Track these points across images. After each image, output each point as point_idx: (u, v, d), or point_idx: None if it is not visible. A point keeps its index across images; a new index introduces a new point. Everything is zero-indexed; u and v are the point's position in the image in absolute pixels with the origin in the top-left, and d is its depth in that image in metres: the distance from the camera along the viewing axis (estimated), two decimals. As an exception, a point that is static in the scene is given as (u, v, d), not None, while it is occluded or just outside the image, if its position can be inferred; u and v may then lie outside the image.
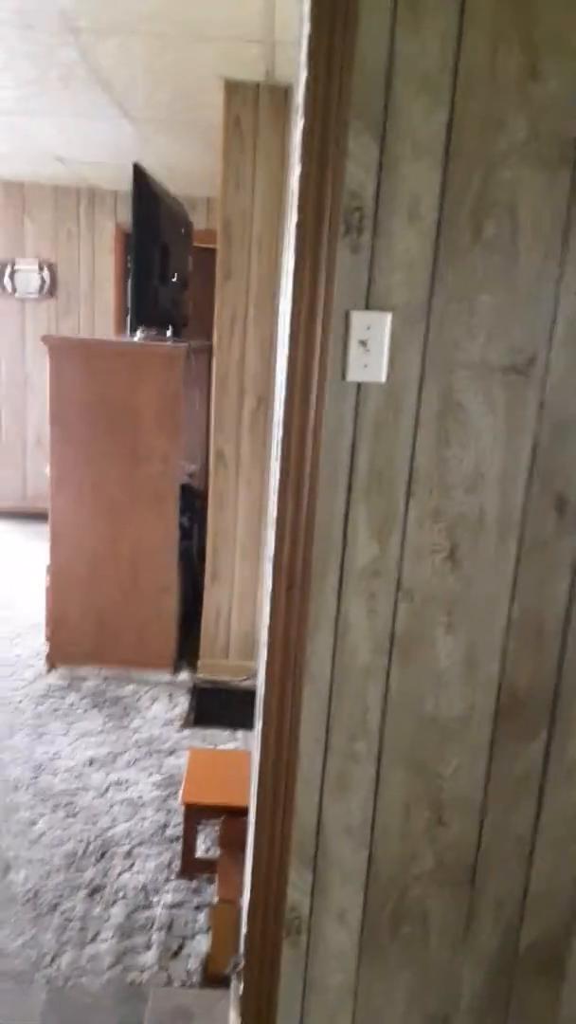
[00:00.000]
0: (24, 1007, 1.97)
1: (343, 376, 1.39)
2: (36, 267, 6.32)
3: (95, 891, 2.39)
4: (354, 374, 1.38)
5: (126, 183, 3.99)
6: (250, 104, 3.27)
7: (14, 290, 6.35)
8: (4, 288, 6.35)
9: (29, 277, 6.33)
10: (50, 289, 6.36)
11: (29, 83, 3.44)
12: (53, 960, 2.12)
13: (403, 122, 1.31)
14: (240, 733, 3.34)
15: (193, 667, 3.89)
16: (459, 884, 1.65)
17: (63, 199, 6.23)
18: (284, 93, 3.24)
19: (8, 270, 6.31)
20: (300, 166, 1.33)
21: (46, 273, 6.32)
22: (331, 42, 1.28)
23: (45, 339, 3.71)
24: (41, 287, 6.35)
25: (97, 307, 6.41)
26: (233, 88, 3.25)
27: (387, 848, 1.63)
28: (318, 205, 1.32)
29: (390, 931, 1.68)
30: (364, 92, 1.30)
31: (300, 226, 1.34)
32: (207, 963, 2.11)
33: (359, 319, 1.35)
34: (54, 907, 2.31)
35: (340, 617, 1.52)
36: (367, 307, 1.36)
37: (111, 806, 2.81)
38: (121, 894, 2.38)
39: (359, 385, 1.40)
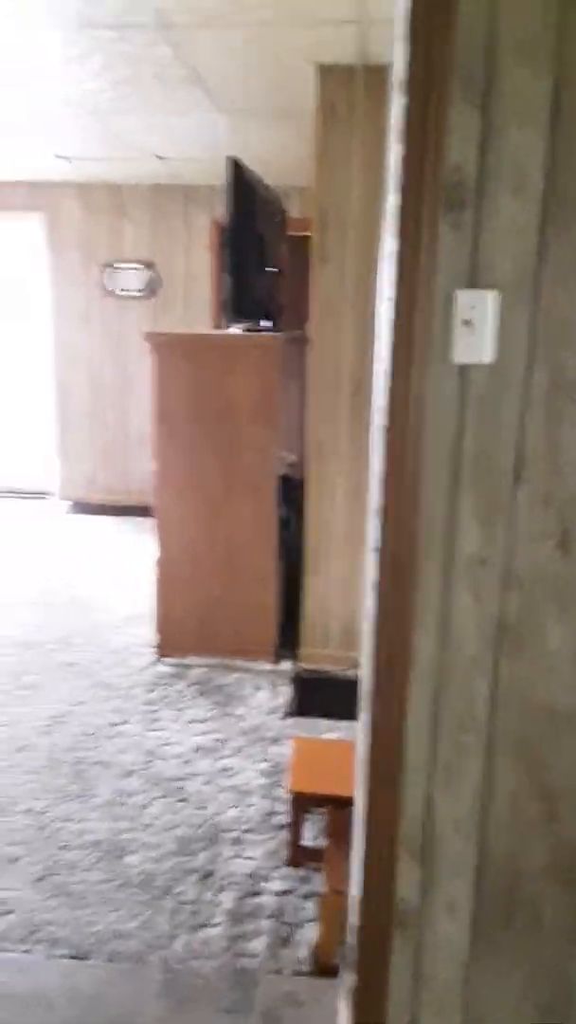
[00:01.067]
0: (140, 987, 2.03)
1: (447, 358, 1.35)
2: (136, 266, 6.47)
3: (206, 876, 2.43)
4: (459, 355, 1.34)
5: (221, 177, 4.02)
6: (344, 87, 3.24)
7: (116, 290, 6.52)
8: (106, 288, 6.53)
9: (130, 276, 6.49)
10: (150, 287, 6.50)
11: (125, 83, 3.51)
12: (168, 943, 2.17)
13: (506, 90, 1.26)
14: (343, 723, 3.33)
15: (294, 656, 3.91)
16: (573, 880, 1.59)
17: (160, 197, 6.35)
18: (379, 74, 3.18)
19: (109, 271, 6.49)
20: (400, 143, 1.30)
21: (145, 272, 6.46)
22: (431, 12, 1.24)
23: (147, 336, 3.79)
24: (142, 286, 6.50)
25: (195, 302, 6.51)
26: (327, 72, 3.22)
27: (498, 841, 1.59)
28: (419, 182, 1.29)
29: (502, 925, 1.64)
30: (465, 62, 1.26)
31: (400, 205, 1.31)
32: (316, 952, 2.12)
33: (463, 298, 1.31)
34: (167, 890, 2.37)
35: (446, 607, 1.48)
36: (471, 285, 1.32)
37: (219, 793, 2.86)
38: (231, 880, 2.41)
39: (463, 366, 1.35)
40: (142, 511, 5.71)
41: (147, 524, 3.93)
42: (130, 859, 2.50)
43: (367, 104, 3.25)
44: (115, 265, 6.49)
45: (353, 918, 1.76)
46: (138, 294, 6.52)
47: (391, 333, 1.36)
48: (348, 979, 1.79)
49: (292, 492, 4.09)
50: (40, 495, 7.08)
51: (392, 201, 1.35)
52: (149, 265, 6.47)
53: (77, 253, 6.54)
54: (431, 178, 1.28)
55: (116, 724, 3.32)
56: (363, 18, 2.73)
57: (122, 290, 6.52)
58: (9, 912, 2.27)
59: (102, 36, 2.93)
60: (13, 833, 2.62)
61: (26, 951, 2.13)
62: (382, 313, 1.44)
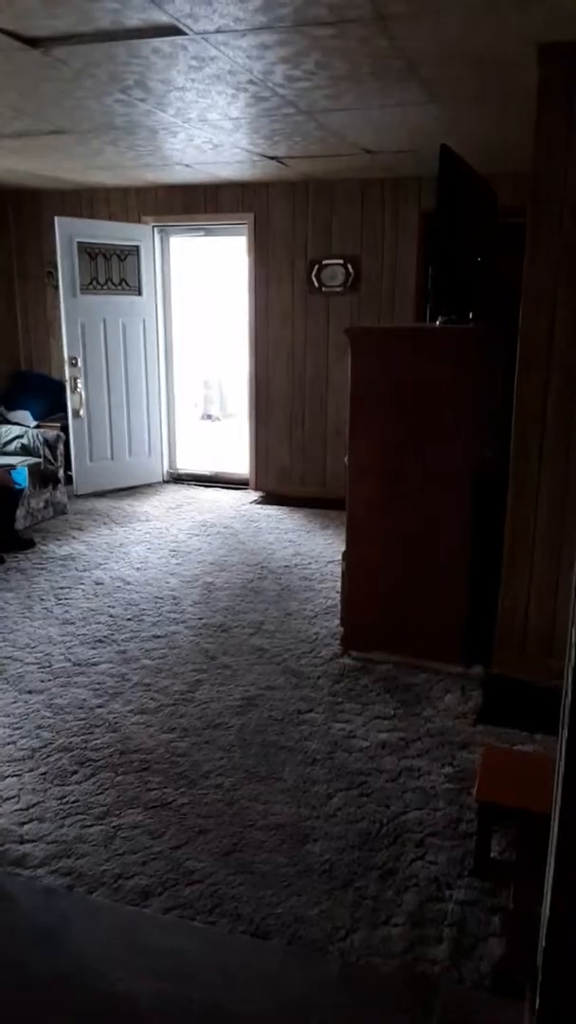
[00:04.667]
0: (318, 976, 2.04)
1: None
2: (341, 262, 6.52)
3: (388, 874, 2.41)
4: None
5: (430, 168, 3.94)
6: (567, 66, 3.06)
7: (320, 286, 6.62)
8: (312, 285, 6.64)
9: (335, 272, 6.56)
10: (353, 282, 6.53)
11: (342, 79, 3.52)
12: (347, 935, 2.17)
13: None
14: (538, 736, 3.18)
15: (486, 661, 3.78)
16: None
17: (368, 192, 6.36)
18: (605, 48, 2.98)
19: (315, 267, 6.59)
20: None
21: (350, 267, 6.50)
22: None
23: (347, 331, 3.80)
24: (345, 281, 6.55)
25: (398, 296, 6.46)
26: (548, 51, 3.06)
27: None
28: None
29: None
30: None
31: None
32: (500, 969, 2.03)
33: None
34: (348, 883, 2.37)
35: None
36: None
37: (403, 792, 2.82)
38: (413, 882, 2.38)
39: None
40: (335, 504, 5.77)
41: (341, 518, 3.95)
42: (312, 847, 2.53)
43: (592, 81, 3.05)
44: (321, 261, 6.58)
45: (542, 940, 1.67)
46: (342, 289, 6.58)
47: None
48: (534, 1002, 1.70)
49: (490, 489, 3.96)
50: (240, 485, 7.35)
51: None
52: (354, 260, 6.50)
53: (284, 250, 6.70)
54: None
55: (303, 712, 3.38)
56: (592, -11, 2.56)
57: (326, 286, 6.61)
58: (197, 882, 2.37)
59: (318, 33, 2.96)
60: (204, 807, 2.73)
61: (211, 923, 2.22)
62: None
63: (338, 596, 4.12)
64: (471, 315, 3.76)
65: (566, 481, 3.41)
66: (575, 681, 1.46)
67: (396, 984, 2.02)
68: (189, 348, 7.77)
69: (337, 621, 4.16)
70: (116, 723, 3.28)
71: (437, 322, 3.69)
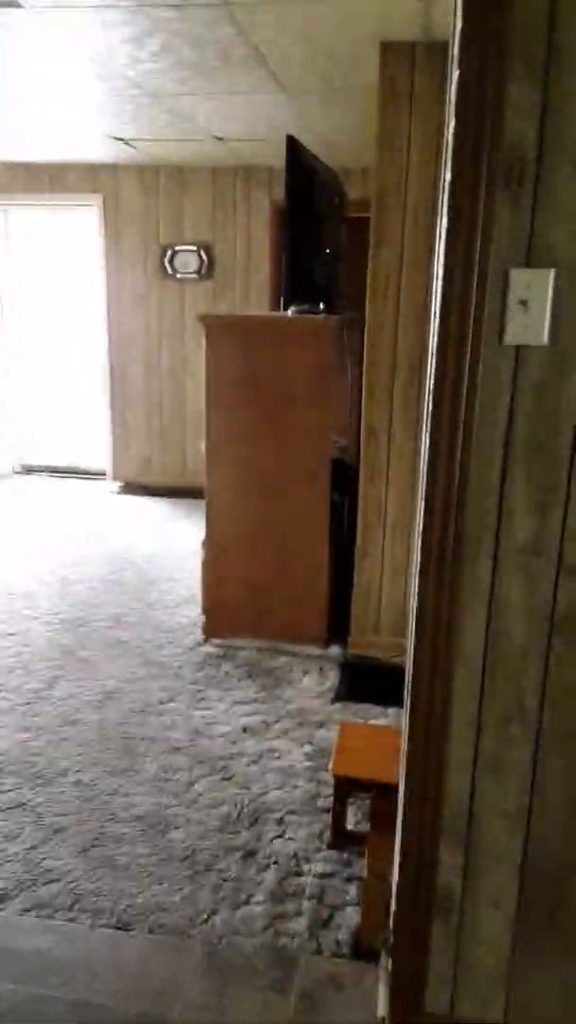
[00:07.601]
0: (182, 961, 2.06)
1: (500, 339, 1.31)
2: (194, 248, 6.48)
3: (248, 855, 2.45)
4: (513, 336, 1.30)
5: (282, 158, 3.98)
6: (407, 65, 3.17)
7: (174, 272, 6.55)
8: (165, 271, 6.56)
9: (188, 259, 6.51)
10: (207, 270, 6.51)
11: (189, 65, 3.50)
12: (209, 918, 2.20)
13: (568, 64, 1.21)
14: (391, 710, 3.32)
15: (343, 642, 3.90)
16: (623, 880, 1.56)
17: (220, 179, 6.34)
18: (442, 50, 3.11)
19: (168, 253, 6.51)
20: (455, 118, 1.27)
21: (203, 254, 6.47)
22: (490, -19, 1.20)
23: (201, 318, 3.79)
24: (199, 268, 6.51)
25: (253, 284, 6.50)
26: (389, 49, 3.16)
27: (546, 835, 1.56)
28: (475, 158, 1.25)
29: (548, 920, 1.61)
30: (524, 35, 1.22)
31: (455, 181, 1.28)
32: (357, 935, 2.12)
33: (519, 277, 1.28)
34: (210, 867, 2.39)
35: (495, 595, 1.45)
36: (528, 264, 1.28)
37: (264, 773, 2.88)
38: (273, 860, 2.43)
39: (518, 348, 1.32)
40: (198, 493, 5.76)
41: (203, 506, 3.96)
42: (174, 834, 2.54)
43: (430, 82, 3.18)
44: (174, 247, 6.51)
45: (392, 904, 1.76)
46: (196, 276, 6.54)
47: (442, 313, 1.33)
48: (388, 964, 1.79)
49: (344, 476, 4.07)
50: (97, 476, 7.19)
51: (447, 178, 1.32)
52: (208, 247, 6.48)
53: (135, 235, 6.58)
54: (487, 153, 1.25)
55: (164, 702, 3.37)
56: (427, -8, 2.66)
57: (180, 272, 6.55)
58: (55, 880, 2.32)
59: (163, 16, 2.92)
60: (61, 804, 2.67)
61: (71, 920, 2.18)
62: (436, 293, 1.41)
63: (199, 584, 4.12)
64: (322, 305, 3.84)
65: (413, 466, 3.56)
66: (415, 655, 1.54)
67: (257, 961, 2.06)
68: (42, 331, 7.46)
69: (199, 609, 4.16)
70: (-33, 725, 3.15)
71: (289, 311, 3.74)
